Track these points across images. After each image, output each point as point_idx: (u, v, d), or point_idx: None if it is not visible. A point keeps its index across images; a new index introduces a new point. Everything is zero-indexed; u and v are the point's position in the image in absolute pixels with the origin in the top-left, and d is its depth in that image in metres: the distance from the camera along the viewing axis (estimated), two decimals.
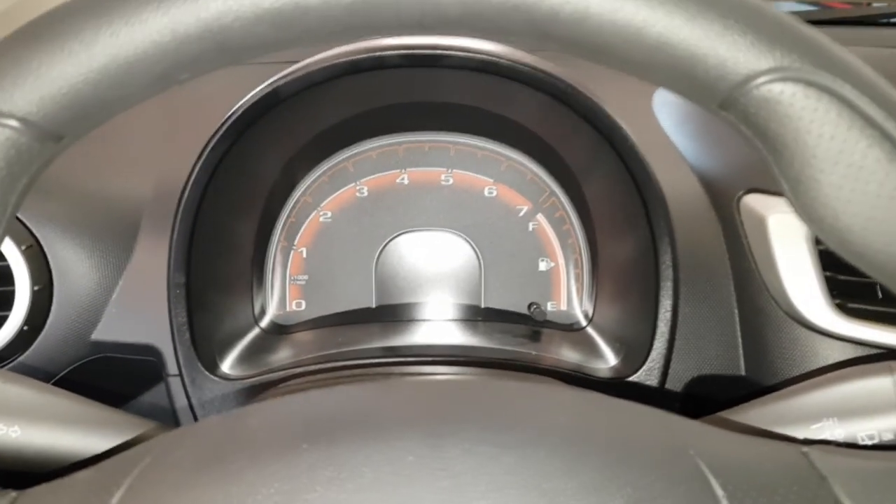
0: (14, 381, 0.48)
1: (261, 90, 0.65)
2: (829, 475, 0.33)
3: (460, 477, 0.32)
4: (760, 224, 0.68)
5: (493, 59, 0.63)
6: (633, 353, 0.69)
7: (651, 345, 0.66)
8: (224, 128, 0.66)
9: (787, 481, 0.32)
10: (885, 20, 1.12)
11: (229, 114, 0.66)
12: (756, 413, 0.46)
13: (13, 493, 0.35)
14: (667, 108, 0.87)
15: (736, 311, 0.69)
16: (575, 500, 0.31)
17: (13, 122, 0.31)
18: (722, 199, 0.72)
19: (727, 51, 0.31)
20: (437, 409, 0.36)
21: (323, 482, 0.32)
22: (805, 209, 0.32)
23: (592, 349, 0.76)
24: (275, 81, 0.65)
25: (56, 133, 0.33)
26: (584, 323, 0.82)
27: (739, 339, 0.69)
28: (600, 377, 0.68)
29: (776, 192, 0.69)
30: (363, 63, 0.63)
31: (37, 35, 0.32)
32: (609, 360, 0.73)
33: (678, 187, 0.70)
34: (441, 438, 0.33)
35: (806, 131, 0.31)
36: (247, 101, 0.65)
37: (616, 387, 0.66)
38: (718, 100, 0.33)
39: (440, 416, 0.35)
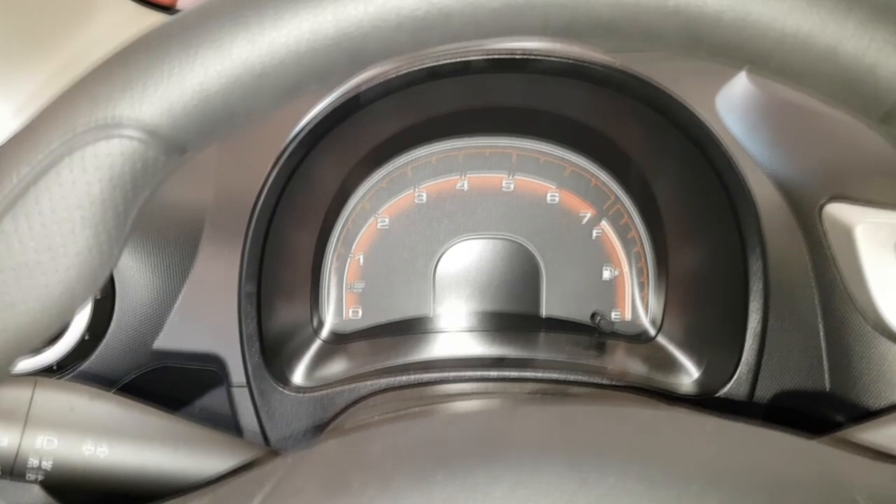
0: (101, 398, 0.46)
1: (341, 96, 0.63)
2: None
3: None
4: (846, 234, 0.65)
5: (583, 63, 0.61)
6: (717, 366, 0.67)
7: (739, 358, 0.64)
8: (300, 136, 0.64)
9: None
10: None
11: (305, 122, 0.64)
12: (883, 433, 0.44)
13: None
14: (735, 114, 0.84)
15: (821, 324, 0.67)
16: None
17: (140, 134, 0.29)
18: (802, 207, 0.69)
19: None
20: (576, 437, 0.34)
21: None
22: None
23: (666, 361, 0.74)
24: (355, 87, 0.63)
25: (182, 146, 0.31)
26: (652, 333, 0.80)
27: (824, 354, 0.67)
28: (684, 392, 0.66)
29: (862, 201, 0.67)
30: (446, 69, 0.61)
31: (168, 40, 0.30)
32: (691, 372, 0.70)
33: (760, 194, 0.68)
34: (587, 471, 0.32)
35: None
36: (325, 108, 0.63)
37: (702, 403, 0.64)
38: (882, 112, 0.31)
39: (582, 446, 0.33)
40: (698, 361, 0.71)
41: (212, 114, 0.31)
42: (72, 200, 0.29)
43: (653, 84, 0.63)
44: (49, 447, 0.44)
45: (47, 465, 0.44)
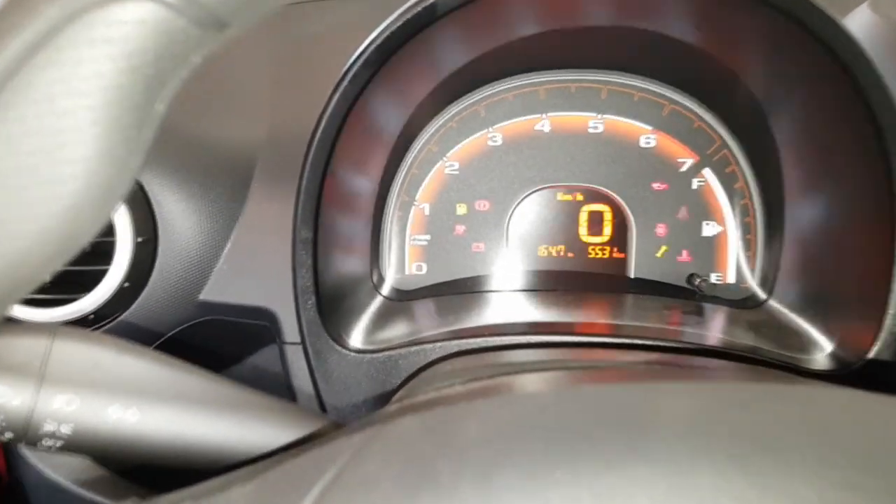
0: (132, 352, 0.39)
1: (415, 4, 0.54)
2: None
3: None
4: None
5: None
6: (851, 335, 0.56)
7: (881, 325, 0.53)
8: (367, 53, 0.55)
9: None
10: None
11: (376, 33, 0.55)
12: None
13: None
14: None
15: None
16: None
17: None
18: None
19: None
20: (721, 417, 0.25)
21: None
22: None
23: (782, 328, 0.63)
24: None
25: (221, 18, 0.22)
26: (762, 297, 0.69)
27: None
28: (817, 369, 0.56)
29: None
30: None
31: None
32: (816, 341, 0.60)
33: None
34: (745, 457, 0.23)
35: None
36: (393, 21, 0.54)
37: (836, 378, 0.54)
38: None
39: (729, 428, 0.24)
40: (825, 329, 0.60)
41: None
42: (74, 85, 0.21)
43: None
44: (69, 409, 0.37)
45: (66, 430, 0.37)
